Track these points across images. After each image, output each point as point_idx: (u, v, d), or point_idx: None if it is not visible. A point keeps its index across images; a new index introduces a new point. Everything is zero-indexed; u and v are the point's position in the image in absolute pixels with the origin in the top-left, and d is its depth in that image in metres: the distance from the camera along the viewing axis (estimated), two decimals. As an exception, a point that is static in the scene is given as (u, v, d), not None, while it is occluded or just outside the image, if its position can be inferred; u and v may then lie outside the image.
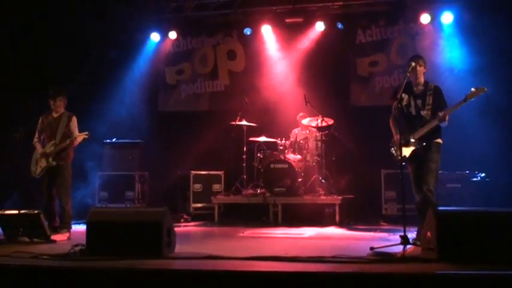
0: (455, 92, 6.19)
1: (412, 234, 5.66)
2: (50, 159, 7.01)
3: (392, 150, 6.05)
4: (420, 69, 5.94)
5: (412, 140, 5.86)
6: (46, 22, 9.48)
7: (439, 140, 5.89)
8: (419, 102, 5.91)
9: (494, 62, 8.51)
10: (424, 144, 5.82)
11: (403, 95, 5.95)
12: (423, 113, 5.87)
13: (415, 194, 5.93)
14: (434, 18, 9.50)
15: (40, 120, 7.28)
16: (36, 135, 7.25)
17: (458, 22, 9.34)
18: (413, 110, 5.95)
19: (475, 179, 8.30)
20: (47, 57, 9.55)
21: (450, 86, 7.10)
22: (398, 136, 5.87)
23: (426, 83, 5.98)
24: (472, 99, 5.57)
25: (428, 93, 5.89)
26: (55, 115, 7.24)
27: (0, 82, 9.34)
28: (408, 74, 5.82)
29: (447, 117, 5.68)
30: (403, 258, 4.70)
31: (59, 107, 7.23)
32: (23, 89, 9.42)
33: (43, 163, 7.04)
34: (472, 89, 5.56)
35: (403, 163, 5.85)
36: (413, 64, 5.84)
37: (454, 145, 7.32)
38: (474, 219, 4.74)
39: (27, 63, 9.51)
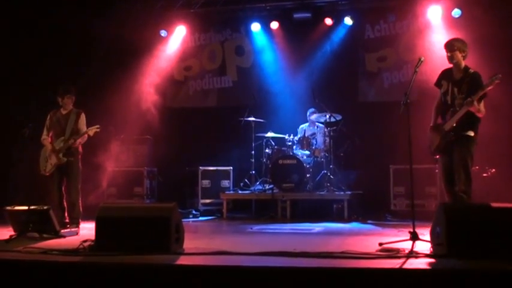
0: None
1: (421, 230, 5.63)
2: (61, 155, 7.04)
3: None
4: (453, 55, 5.60)
5: (443, 132, 5.63)
6: (55, 19, 9.51)
7: (470, 133, 5.53)
8: (455, 90, 5.61)
9: (504, 56, 8.44)
10: (454, 136, 5.55)
11: (443, 81, 5.69)
12: (456, 102, 5.54)
13: (444, 191, 5.72)
14: (444, 13, 9.43)
15: (49, 117, 7.32)
16: (45, 132, 7.29)
17: (467, 17, 9.26)
18: (449, 99, 5.67)
19: (485, 175, 8.24)
20: (55, 54, 9.59)
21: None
22: (431, 126, 5.69)
23: (466, 69, 5.62)
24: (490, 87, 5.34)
25: (466, 81, 5.53)
26: (64, 112, 7.27)
27: (9, 80, 9.40)
28: (417, 69, 5.73)
29: (476, 104, 5.33)
30: (411, 254, 4.68)
31: (68, 104, 7.26)
32: (31, 86, 9.47)
33: (53, 160, 7.07)
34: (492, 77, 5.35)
35: (436, 156, 5.66)
36: (422, 59, 5.74)
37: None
38: (484, 215, 4.71)
39: (36, 61, 9.56)
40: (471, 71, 5.63)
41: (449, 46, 5.67)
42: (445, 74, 5.70)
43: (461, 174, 5.51)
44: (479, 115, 5.51)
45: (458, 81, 5.65)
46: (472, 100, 5.40)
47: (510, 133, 8.21)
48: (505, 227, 4.51)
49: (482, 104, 5.50)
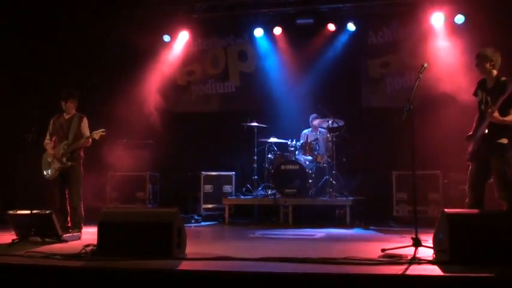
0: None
1: (424, 236, 5.61)
2: (64, 160, 7.06)
3: None
4: (480, 67, 5.64)
5: (475, 139, 5.62)
6: (58, 24, 9.54)
7: (503, 140, 5.44)
8: (489, 99, 5.57)
9: (508, 62, 8.43)
10: (486, 144, 5.51)
11: (479, 91, 5.71)
12: (488, 111, 5.48)
13: (467, 193, 5.70)
14: (446, 19, 9.43)
15: (52, 122, 7.34)
16: (47, 137, 7.31)
17: (470, 23, 9.26)
18: (483, 108, 5.63)
19: (488, 181, 8.21)
20: (59, 58, 9.61)
21: (467, 87, 6.96)
22: (467, 135, 5.71)
23: (497, 78, 5.61)
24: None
25: (497, 89, 5.50)
26: (66, 116, 7.29)
27: (12, 84, 9.43)
28: (420, 75, 5.73)
29: (497, 114, 5.34)
30: (414, 260, 4.67)
31: (70, 108, 7.29)
32: (35, 91, 9.49)
33: (56, 164, 7.09)
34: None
35: (469, 163, 5.67)
36: (425, 65, 5.75)
37: (465, 146, 7.27)
38: (486, 221, 4.70)
39: (39, 65, 9.58)
40: (502, 79, 5.60)
41: (476, 59, 5.71)
42: (481, 84, 5.74)
43: (498, 183, 5.49)
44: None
45: (491, 90, 5.63)
46: (492, 111, 5.39)
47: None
48: (508, 234, 4.49)
49: None
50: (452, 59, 9.24)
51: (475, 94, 5.77)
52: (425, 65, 5.71)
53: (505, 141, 5.45)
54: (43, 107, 8.64)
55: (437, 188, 8.42)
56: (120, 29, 9.90)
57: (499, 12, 8.69)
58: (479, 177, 5.61)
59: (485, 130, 5.53)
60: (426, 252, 4.94)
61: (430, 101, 9.01)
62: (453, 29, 9.42)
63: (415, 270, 4.27)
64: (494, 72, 5.67)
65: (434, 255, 4.79)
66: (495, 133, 5.47)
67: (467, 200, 5.69)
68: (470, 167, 5.73)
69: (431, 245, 4.96)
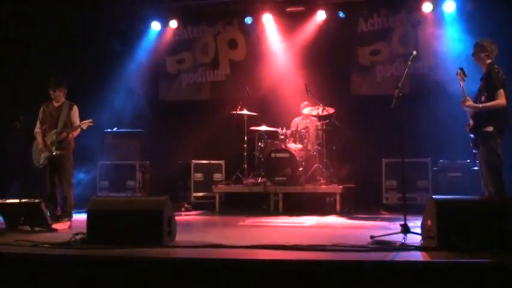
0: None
1: (412, 223, 5.66)
2: (53, 148, 7.03)
3: None
4: (475, 56, 5.90)
5: (468, 129, 5.89)
6: (46, 13, 9.44)
7: (488, 128, 5.65)
8: (481, 86, 5.86)
9: (499, 49, 8.46)
10: (474, 134, 5.80)
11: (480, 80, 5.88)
12: (461, 100, 5.84)
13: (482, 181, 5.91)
14: (437, 7, 9.43)
15: (41, 110, 7.30)
16: (38, 125, 7.27)
17: (460, 10, 9.27)
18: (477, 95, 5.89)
19: (476, 168, 8.28)
20: (47, 47, 9.53)
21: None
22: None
23: (488, 66, 5.82)
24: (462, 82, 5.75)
25: (485, 77, 5.79)
26: (56, 104, 7.25)
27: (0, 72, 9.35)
28: (409, 63, 5.77)
29: (468, 103, 5.69)
30: (402, 246, 4.71)
31: (59, 96, 7.25)
32: (23, 79, 9.41)
33: (46, 153, 7.06)
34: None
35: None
36: (414, 53, 5.80)
37: (455, 134, 7.32)
38: (474, 208, 4.75)
39: (27, 54, 9.50)
40: (491, 67, 5.79)
41: (473, 48, 5.95)
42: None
43: (488, 175, 5.67)
44: (499, 107, 5.60)
45: (482, 78, 5.86)
46: (463, 100, 5.72)
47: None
48: (495, 219, 4.55)
49: (499, 95, 5.60)
50: (443, 46, 9.27)
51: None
52: (415, 52, 5.80)
53: (490, 128, 5.63)
54: (32, 95, 8.56)
55: (427, 175, 8.47)
56: (108, 16, 9.82)
57: (489, 0, 8.71)
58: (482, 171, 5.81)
59: (471, 121, 5.75)
60: (415, 238, 4.99)
61: (420, 89, 9.05)
62: (444, 16, 9.44)
63: (404, 256, 4.32)
64: (488, 61, 5.82)
65: (422, 242, 4.84)
66: (481, 122, 5.66)
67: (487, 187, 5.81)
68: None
69: (420, 232, 5.01)
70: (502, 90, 5.60)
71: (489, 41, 5.93)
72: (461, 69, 5.87)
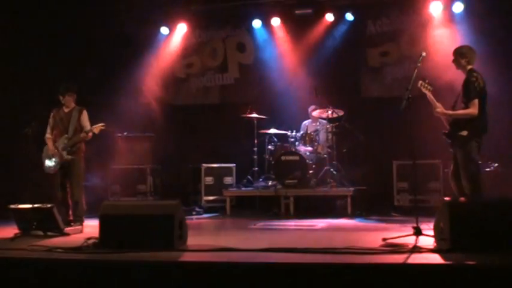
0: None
1: (425, 225, 5.63)
2: (64, 153, 7.07)
3: None
4: (455, 63, 6.00)
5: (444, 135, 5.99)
6: (56, 18, 9.51)
7: (463, 133, 5.77)
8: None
9: (507, 50, 8.42)
10: (451, 139, 5.90)
11: None
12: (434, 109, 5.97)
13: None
14: (445, 8, 9.40)
15: (52, 116, 7.35)
16: (48, 131, 7.32)
17: (469, 11, 9.23)
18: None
19: (488, 169, 8.23)
20: (57, 52, 9.60)
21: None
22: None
23: (467, 73, 5.91)
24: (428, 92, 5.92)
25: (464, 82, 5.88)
26: (66, 110, 7.30)
27: (11, 79, 9.41)
28: (419, 64, 5.78)
29: (439, 110, 5.87)
30: (415, 249, 4.69)
31: (69, 102, 7.30)
32: (35, 85, 9.47)
33: (57, 158, 7.10)
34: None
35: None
36: (423, 54, 5.80)
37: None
38: (486, 210, 4.72)
39: (37, 59, 9.56)
40: (470, 73, 5.88)
41: (453, 55, 6.04)
42: None
43: (464, 178, 5.75)
44: (469, 116, 5.72)
45: (463, 84, 5.92)
46: (434, 107, 5.89)
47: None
48: (508, 221, 4.51)
49: (472, 105, 5.70)
50: (452, 47, 9.20)
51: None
52: (424, 53, 5.83)
53: (464, 133, 5.76)
54: (43, 101, 8.61)
55: (438, 177, 8.42)
56: (118, 21, 9.87)
57: (497, 0, 8.67)
58: (456, 166, 5.92)
59: (448, 125, 5.90)
60: (427, 240, 4.96)
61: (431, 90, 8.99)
62: (452, 17, 9.40)
63: (416, 258, 4.30)
64: (469, 67, 5.93)
65: (435, 244, 4.81)
66: (456, 127, 5.81)
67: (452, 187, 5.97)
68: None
69: (432, 234, 4.98)
70: (476, 100, 5.70)
71: (468, 47, 6.07)
72: (423, 80, 5.97)
